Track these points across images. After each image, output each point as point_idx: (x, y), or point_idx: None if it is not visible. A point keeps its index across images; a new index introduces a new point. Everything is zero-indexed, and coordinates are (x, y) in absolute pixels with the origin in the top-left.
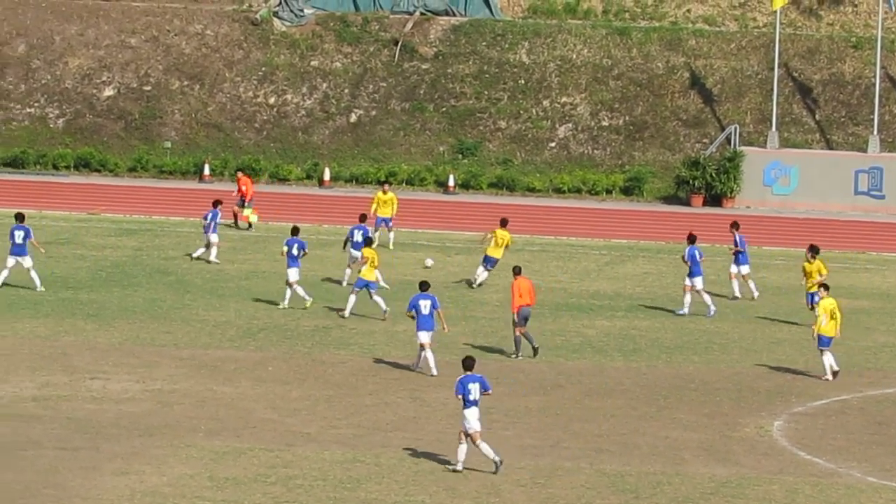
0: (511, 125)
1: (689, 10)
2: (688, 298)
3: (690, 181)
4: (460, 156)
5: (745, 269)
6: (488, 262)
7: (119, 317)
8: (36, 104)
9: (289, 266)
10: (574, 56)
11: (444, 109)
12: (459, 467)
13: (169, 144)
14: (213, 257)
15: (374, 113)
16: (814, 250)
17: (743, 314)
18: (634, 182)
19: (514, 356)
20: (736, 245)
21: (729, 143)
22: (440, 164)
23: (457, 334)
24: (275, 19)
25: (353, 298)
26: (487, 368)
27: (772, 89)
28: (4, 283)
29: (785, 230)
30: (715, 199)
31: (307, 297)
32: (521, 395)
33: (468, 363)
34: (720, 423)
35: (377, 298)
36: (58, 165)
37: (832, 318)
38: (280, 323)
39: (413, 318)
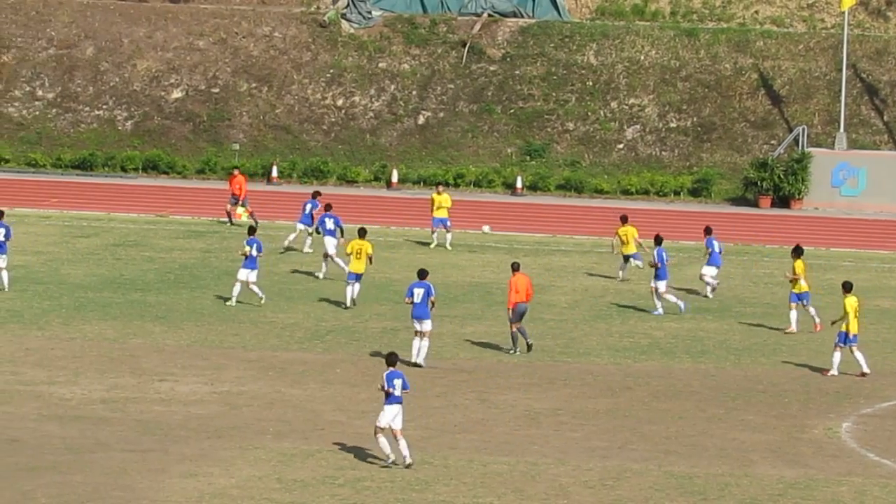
0: (579, 127)
1: (757, 12)
2: (671, 297)
3: (758, 183)
4: (528, 157)
5: (710, 271)
6: (633, 257)
7: (187, 319)
8: (104, 106)
9: (245, 266)
10: (642, 57)
11: (511, 111)
12: (389, 462)
13: (237, 146)
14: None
15: (441, 115)
16: (798, 251)
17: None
18: (702, 183)
19: (511, 352)
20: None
21: (797, 145)
22: (508, 166)
23: None
24: (342, 21)
25: (349, 290)
26: (557, 370)
27: (840, 90)
28: None
29: (853, 232)
30: (783, 201)
31: (262, 296)
32: (590, 396)
33: (392, 359)
34: (788, 424)
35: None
36: (126, 167)
37: (855, 316)
38: (348, 325)
39: (411, 304)
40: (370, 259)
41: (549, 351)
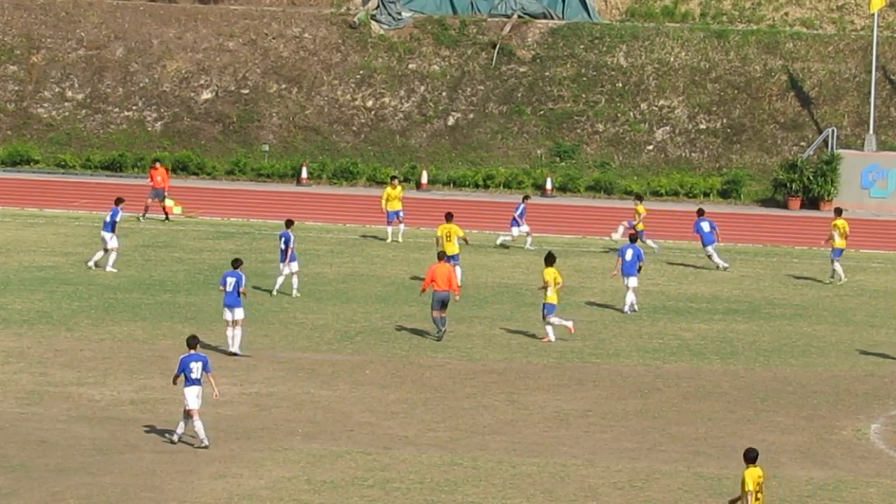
0: (609, 128)
1: (786, 13)
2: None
3: (788, 184)
4: (558, 159)
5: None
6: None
7: (217, 320)
8: (134, 107)
9: (283, 260)
10: (672, 59)
11: (541, 112)
12: (175, 438)
13: (267, 148)
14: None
15: (471, 116)
16: (839, 211)
17: (840, 317)
18: (732, 185)
19: (438, 337)
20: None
21: (826, 146)
22: (538, 167)
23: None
24: (373, 22)
25: (555, 320)
26: (587, 371)
27: (869, 92)
28: None
29: (882, 233)
30: (812, 203)
31: (296, 292)
32: (619, 398)
33: (192, 342)
34: (817, 426)
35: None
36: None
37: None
38: (377, 326)
39: (224, 292)
40: (465, 240)
41: (579, 352)
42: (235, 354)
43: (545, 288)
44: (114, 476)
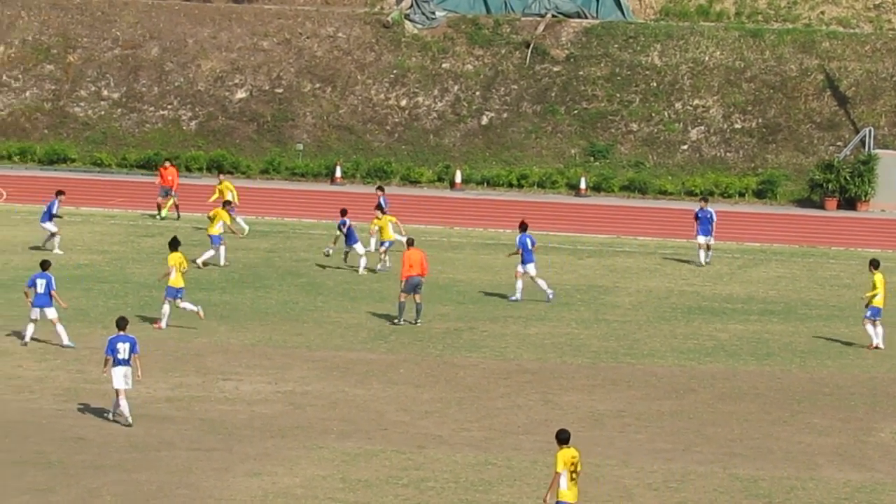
0: (643, 128)
1: (822, 12)
2: (519, 284)
3: (824, 184)
4: (592, 158)
5: (705, 239)
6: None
7: (251, 318)
8: (169, 106)
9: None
10: (706, 58)
11: (575, 112)
12: (111, 416)
13: (301, 147)
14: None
15: (505, 115)
16: (875, 264)
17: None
18: (767, 185)
19: (396, 322)
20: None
21: (863, 146)
22: (572, 167)
23: (589, 337)
24: (406, 22)
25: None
26: (621, 372)
27: None
28: None
29: None
30: (849, 203)
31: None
32: (654, 398)
33: (121, 323)
34: (855, 427)
35: (185, 305)
36: (190, 167)
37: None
38: (411, 325)
39: (33, 294)
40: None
41: (613, 353)
42: (70, 346)
43: (167, 275)
44: (149, 473)
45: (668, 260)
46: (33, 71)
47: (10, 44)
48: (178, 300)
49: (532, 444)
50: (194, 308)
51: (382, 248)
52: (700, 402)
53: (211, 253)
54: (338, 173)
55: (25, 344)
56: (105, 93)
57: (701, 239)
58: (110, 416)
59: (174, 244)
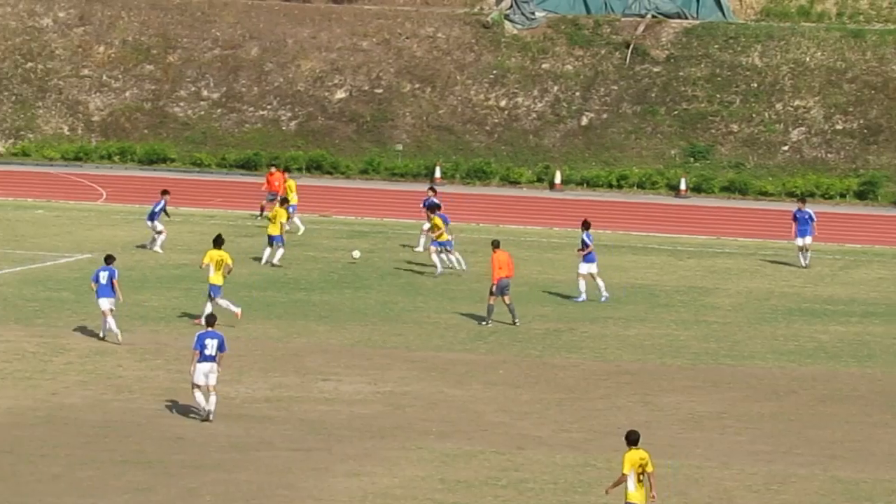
0: (743, 128)
1: None
2: (582, 284)
3: None
4: (692, 159)
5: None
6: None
7: (351, 319)
8: (269, 107)
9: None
10: (807, 59)
11: (675, 112)
12: (203, 414)
13: (400, 147)
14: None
15: (605, 116)
16: None
17: None
18: (869, 186)
19: (484, 323)
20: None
21: None
22: (671, 168)
23: (689, 338)
24: (506, 22)
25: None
26: (721, 373)
27: None
28: None
29: None
30: None
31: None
32: (755, 400)
33: (210, 319)
34: None
35: (222, 302)
36: (290, 167)
37: None
38: (511, 326)
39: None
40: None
41: (714, 354)
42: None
43: (206, 266)
44: (249, 473)
45: (768, 261)
46: (133, 71)
47: (110, 44)
48: (217, 298)
49: None
50: (234, 308)
51: (446, 249)
52: (801, 403)
53: (282, 252)
54: (437, 174)
55: (103, 338)
56: (205, 93)
57: (799, 241)
58: (203, 413)
59: (218, 241)
